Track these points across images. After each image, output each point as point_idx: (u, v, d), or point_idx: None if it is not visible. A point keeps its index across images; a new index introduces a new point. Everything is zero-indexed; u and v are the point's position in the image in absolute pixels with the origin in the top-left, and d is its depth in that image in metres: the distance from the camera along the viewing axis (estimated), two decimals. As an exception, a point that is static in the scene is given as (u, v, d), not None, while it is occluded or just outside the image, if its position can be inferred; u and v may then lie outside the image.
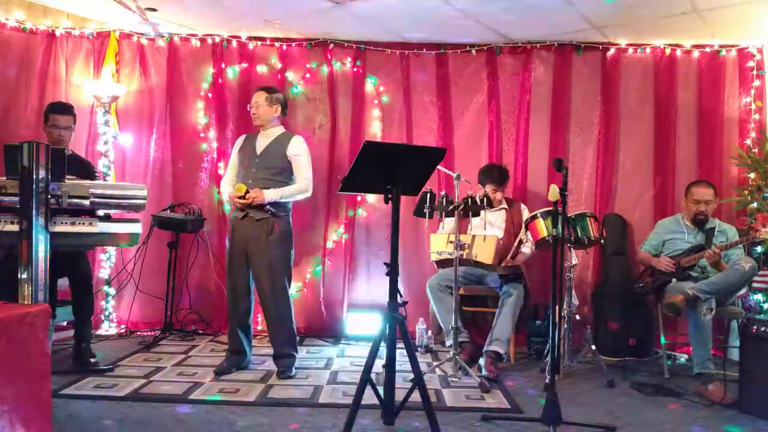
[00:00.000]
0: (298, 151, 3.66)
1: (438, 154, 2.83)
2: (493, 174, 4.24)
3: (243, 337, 3.68)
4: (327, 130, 4.84)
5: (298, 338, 4.62)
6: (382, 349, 2.57)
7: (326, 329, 4.78)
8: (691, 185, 4.07)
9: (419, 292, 4.46)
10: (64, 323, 4.18)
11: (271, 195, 3.50)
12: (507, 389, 3.45)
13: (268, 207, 3.50)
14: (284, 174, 3.64)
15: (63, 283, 3.73)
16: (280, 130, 3.74)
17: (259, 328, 4.73)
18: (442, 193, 3.75)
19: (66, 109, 3.79)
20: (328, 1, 4.05)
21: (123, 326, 4.73)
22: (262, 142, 3.69)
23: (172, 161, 4.85)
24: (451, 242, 3.69)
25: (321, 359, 4.07)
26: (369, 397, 2.54)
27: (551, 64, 4.78)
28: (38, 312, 2.14)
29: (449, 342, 3.79)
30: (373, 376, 2.53)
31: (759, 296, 4.11)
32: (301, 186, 3.63)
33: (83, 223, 2.83)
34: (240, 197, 3.48)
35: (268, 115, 3.69)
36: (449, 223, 4.06)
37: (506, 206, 4.33)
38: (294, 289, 4.83)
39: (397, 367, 2.62)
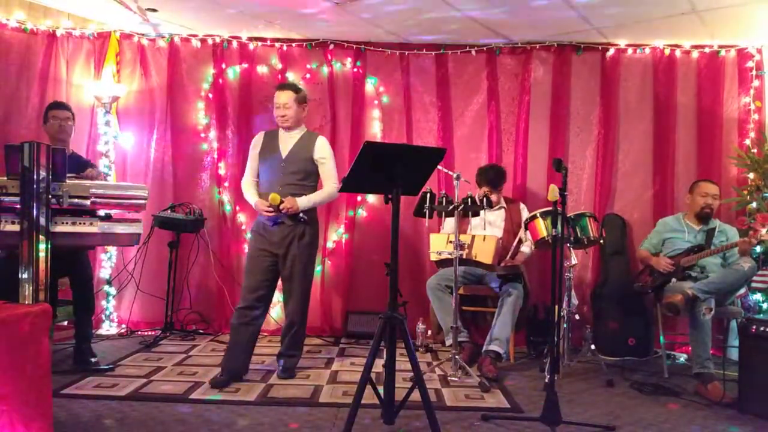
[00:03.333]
0: (325, 154, 3.56)
1: (438, 154, 2.84)
2: (489, 175, 4.21)
3: (249, 343, 3.52)
4: (327, 130, 4.84)
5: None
6: (382, 349, 2.58)
7: (326, 329, 4.79)
8: (698, 181, 4.13)
9: (419, 292, 4.47)
10: (65, 323, 4.18)
11: (304, 203, 3.43)
12: (507, 389, 3.46)
13: (302, 215, 3.45)
14: (311, 178, 3.56)
15: (64, 282, 3.73)
16: (302, 130, 3.62)
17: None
18: (442, 192, 3.75)
19: (63, 105, 3.84)
20: (328, 2, 4.05)
21: (123, 326, 4.74)
22: (286, 144, 3.55)
23: (172, 161, 4.86)
24: (450, 242, 3.70)
25: (321, 359, 4.08)
26: (369, 397, 2.55)
27: (551, 65, 4.78)
28: (39, 312, 2.15)
29: (449, 342, 3.80)
30: (373, 375, 2.54)
31: (758, 296, 4.11)
32: (330, 190, 3.56)
33: (84, 223, 2.83)
34: (272, 207, 3.38)
35: (298, 115, 3.55)
36: (449, 223, 4.07)
37: (505, 206, 4.34)
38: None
39: (397, 367, 2.62)
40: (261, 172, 3.62)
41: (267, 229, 3.50)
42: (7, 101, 4.47)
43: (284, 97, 3.50)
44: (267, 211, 3.41)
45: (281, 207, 3.37)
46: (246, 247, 4.53)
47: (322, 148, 3.57)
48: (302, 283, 3.55)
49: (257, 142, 3.67)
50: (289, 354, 3.63)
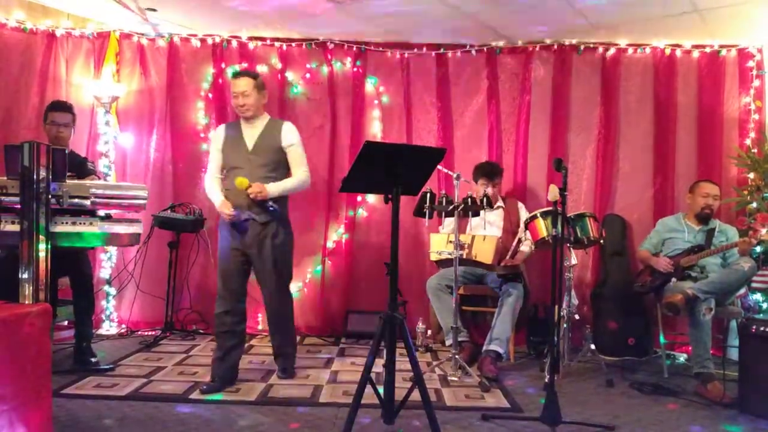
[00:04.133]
0: (293, 140, 3.38)
1: (438, 154, 2.83)
2: (485, 168, 4.28)
3: (237, 349, 3.39)
4: (327, 130, 4.85)
5: (297, 338, 4.65)
6: (382, 349, 2.58)
7: (326, 329, 4.79)
8: (699, 181, 4.14)
9: (419, 292, 4.46)
10: (65, 323, 4.19)
11: (274, 190, 3.24)
12: (507, 389, 3.46)
13: (271, 203, 3.23)
14: (280, 169, 3.38)
15: (64, 282, 3.73)
16: (265, 117, 3.42)
17: (260, 327, 4.74)
18: (443, 193, 3.75)
19: (64, 106, 3.80)
20: (328, 1, 4.05)
21: (123, 326, 4.74)
22: (250, 135, 3.34)
23: (172, 161, 4.85)
24: (451, 242, 3.70)
25: (321, 359, 4.08)
26: (369, 397, 2.55)
27: (551, 65, 4.78)
28: (39, 312, 2.15)
29: (449, 342, 3.80)
30: (373, 375, 2.54)
31: (758, 296, 4.11)
32: (302, 178, 3.39)
33: (84, 223, 2.83)
34: (230, 213, 3.24)
35: (259, 103, 3.34)
36: (449, 223, 4.07)
37: (502, 205, 4.34)
38: (294, 289, 4.82)
39: (397, 367, 2.62)
40: (226, 167, 3.40)
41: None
42: (7, 101, 4.48)
43: (243, 85, 3.29)
44: (229, 217, 3.25)
45: (249, 192, 3.18)
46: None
47: (289, 134, 3.38)
48: (279, 283, 3.43)
49: (218, 135, 3.46)
50: (283, 353, 3.57)
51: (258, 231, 3.31)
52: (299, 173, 3.40)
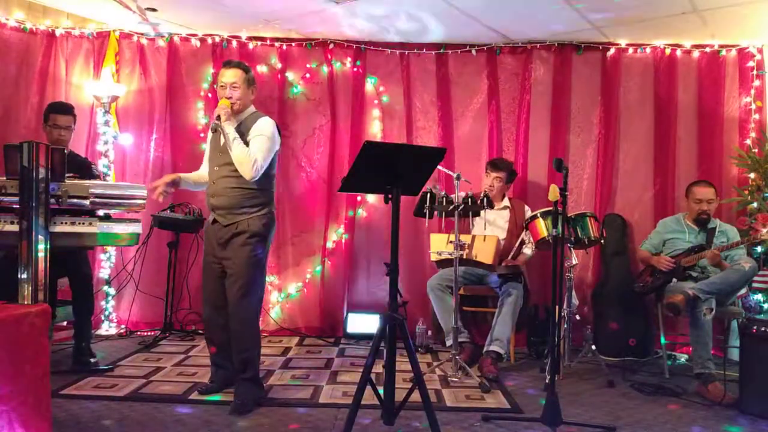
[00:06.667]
0: (257, 131, 3.00)
1: (438, 154, 2.82)
2: (495, 161, 4.33)
3: (227, 352, 3.15)
4: (327, 130, 4.84)
5: (296, 339, 4.63)
6: (382, 349, 2.57)
7: (326, 329, 4.78)
8: (692, 185, 4.10)
9: (419, 292, 4.46)
10: (64, 323, 4.18)
11: (229, 129, 2.95)
12: (507, 389, 3.45)
13: (215, 124, 2.96)
14: None
15: (63, 282, 3.73)
16: (248, 112, 3.11)
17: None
18: (442, 192, 3.74)
19: (66, 108, 3.79)
20: (328, 1, 4.05)
21: (123, 326, 4.72)
22: (227, 131, 3.01)
23: (172, 161, 4.84)
24: (451, 242, 3.69)
25: (321, 359, 4.07)
26: (369, 397, 2.54)
27: (551, 64, 4.78)
28: (38, 312, 2.14)
29: (449, 342, 3.80)
30: (373, 376, 2.53)
31: (759, 296, 4.11)
32: (253, 155, 2.92)
33: (83, 223, 2.83)
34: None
35: (247, 98, 3.07)
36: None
37: (509, 206, 4.33)
38: (294, 289, 4.83)
39: (397, 367, 2.62)
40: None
41: (209, 226, 3.14)
42: (7, 101, 4.47)
43: (232, 76, 3.02)
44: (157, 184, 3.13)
45: (218, 107, 2.98)
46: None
47: (257, 127, 3.02)
48: (239, 297, 2.99)
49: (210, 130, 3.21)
50: (242, 380, 3.03)
51: (224, 232, 3.03)
52: (253, 151, 2.95)
